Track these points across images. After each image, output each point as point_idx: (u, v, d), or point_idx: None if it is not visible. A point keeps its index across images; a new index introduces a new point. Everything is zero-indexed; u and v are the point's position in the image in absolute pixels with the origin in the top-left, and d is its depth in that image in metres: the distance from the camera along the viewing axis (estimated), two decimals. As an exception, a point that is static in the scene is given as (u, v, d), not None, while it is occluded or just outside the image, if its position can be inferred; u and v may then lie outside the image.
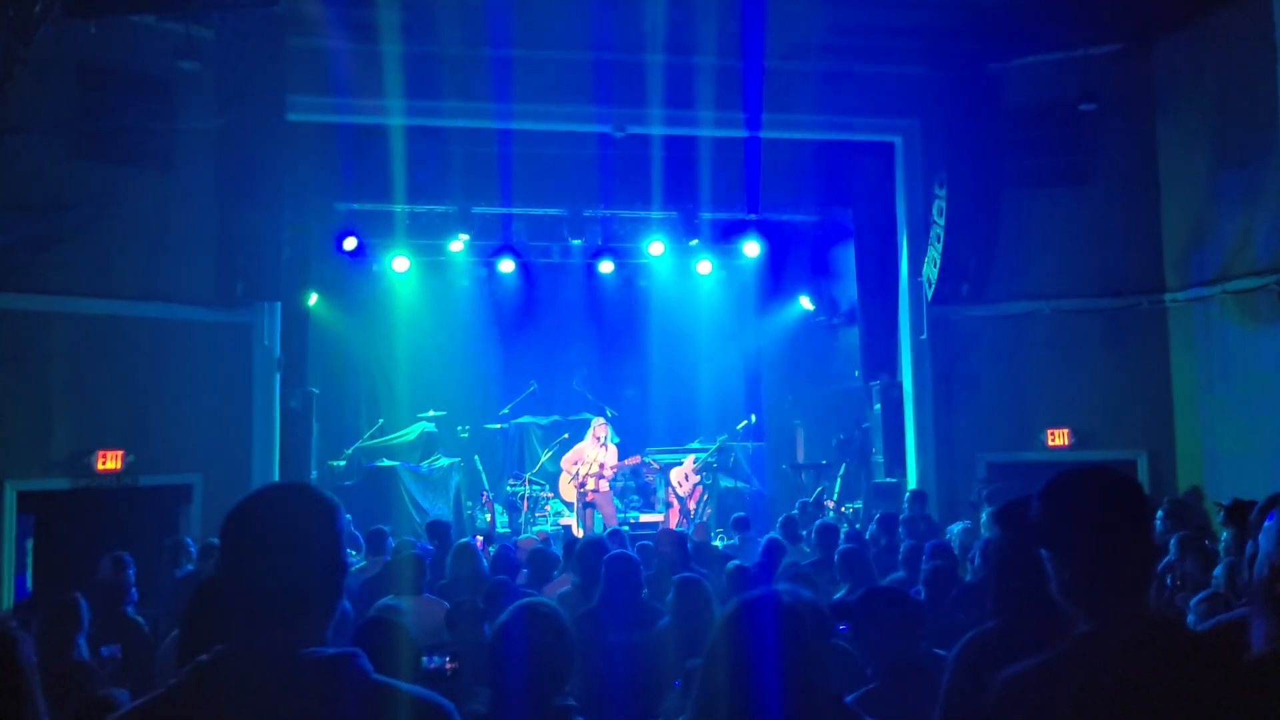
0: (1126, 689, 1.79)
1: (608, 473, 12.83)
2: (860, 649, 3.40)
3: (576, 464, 12.88)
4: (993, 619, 2.95)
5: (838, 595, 5.49)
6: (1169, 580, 6.37)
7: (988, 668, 2.03)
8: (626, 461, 13.25)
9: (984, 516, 9.64)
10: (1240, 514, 6.28)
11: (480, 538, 9.40)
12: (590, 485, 12.69)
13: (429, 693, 1.80)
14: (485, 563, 7.19)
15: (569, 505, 13.47)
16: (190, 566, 7.59)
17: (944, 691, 2.69)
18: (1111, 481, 1.96)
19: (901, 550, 6.74)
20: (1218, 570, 5.03)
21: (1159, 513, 7.85)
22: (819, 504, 12.31)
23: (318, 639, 1.72)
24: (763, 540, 8.88)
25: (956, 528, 8.37)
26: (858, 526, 10.82)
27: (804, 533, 8.81)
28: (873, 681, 3.23)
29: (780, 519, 9.21)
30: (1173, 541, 6.41)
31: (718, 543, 11.39)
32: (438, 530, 8.71)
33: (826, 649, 2.12)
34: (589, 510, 12.71)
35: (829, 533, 7.47)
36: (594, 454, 12.85)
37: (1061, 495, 1.97)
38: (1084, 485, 1.96)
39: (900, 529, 8.63)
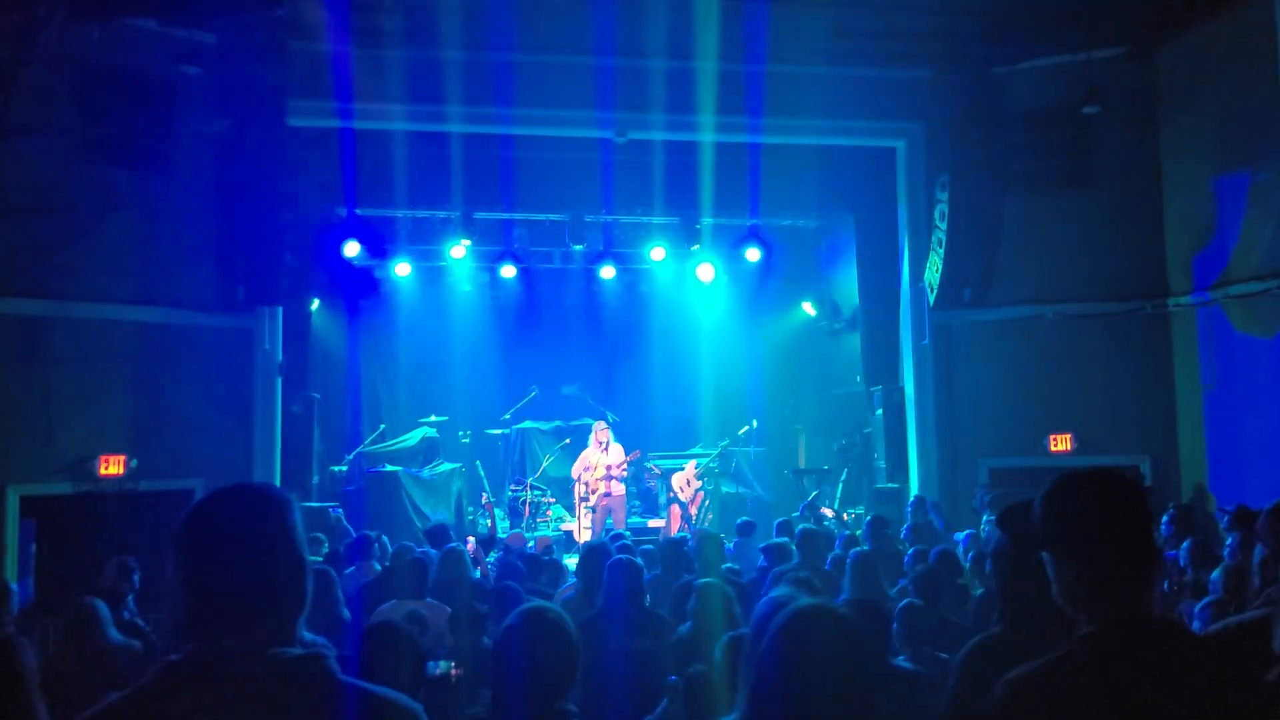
0: (1128, 690, 1.79)
1: (616, 473, 12.79)
2: None
3: (587, 470, 12.86)
4: (997, 624, 2.94)
5: (840, 598, 5.46)
6: (1166, 585, 6.36)
7: (993, 673, 2.02)
8: (629, 456, 13.21)
9: (984, 521, 9.62)
10: (1247, 520, 6.28)
11: (471, 541, 9.38)
12: (601, 489, 12.67)
13: (396, 694, 1.79)
14: (474, 569, 7.17)
15: (571, 511, 13.45)
16: None
17: (949, 697, 2.68)
18: (1112, 483, 1.95)
19: (908, 556, 6.74)
20: (1215, 574, 5.01)
21: (1165, 518, 7.84)
22: (814, 507, 12.27)
23: (286, 639, 1.72)
24: (760, 546, 8.86)
25: (963, 534, 8.36)
26: (858, 533, 10.80)
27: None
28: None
29: (775, 523, 9.19)
30: (1184, 547, 6.39)
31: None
32: (436, 535, 8.71)
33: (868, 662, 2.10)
34: (598, 515, 12.67)
35: (816, 539, 7.43)
36: (598, 459, 12.84)
37: (1062, 497, 1.97)
38: (1084, 487, 1.96)
39: (906, 534, 8.62)
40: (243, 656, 1.67)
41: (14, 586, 5.77)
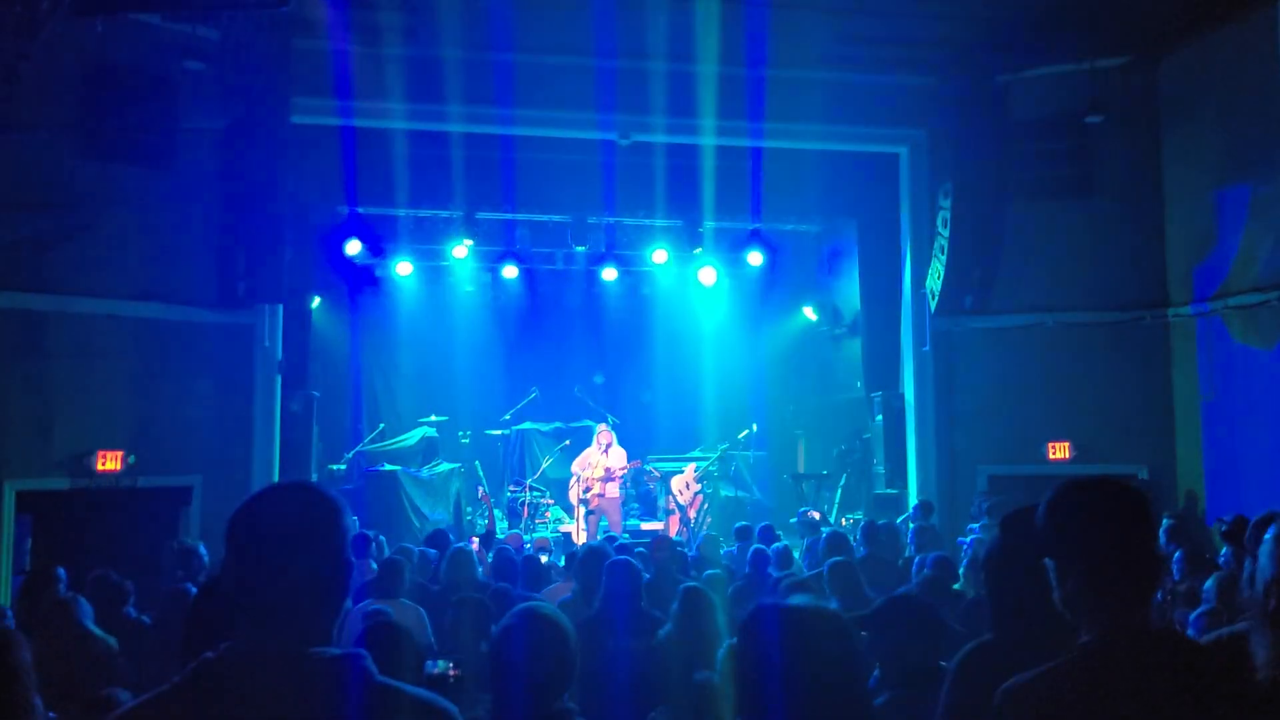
0: (1128, 700, 1.79)
1: (615, 476, 12.78)
2: (877, 657, 3.39)
3: (587, 469, 12.86)
4: (991, 630, 2.93)
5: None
6: (1160, 595, 6.36)
7: (988, 679, 2.02)
8: (630, 464, 13.21)
9: (977, 527, 9.62)
10: (1241, 531, 6.28)
11: (476, 540, 9.37)
12: (595, 490, 12.66)
13: (433, 695, 1.80)
14: (480, 568, 7.17)
15: (570, 511, 13.44)
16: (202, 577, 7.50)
17: (943, 704, 2.67)
18: (1117, 492, 1.95)
19: (915, 562, 6.76)
20: (1208, 584, 5.01)
21: (1164, 525, 7.84)
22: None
23: (324, 639, 1.73)
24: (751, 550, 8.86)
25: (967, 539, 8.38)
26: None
27: (808, 540, 8.81)
28: (887, 690, 3.21)
29: (758, 528, 9.20)
30: (1176, 557, 6.39)
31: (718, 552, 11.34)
32: (437, 539, 8.71)
33: (850, 656, 2.09)
34: (593, 516, 12.67)
35: (840, 542, 7.43)
36: (598, 459, 12.83)
37: (1067, 505, 1.97)
38: (1090, 496, 1.96)
39: (910, 539, 8.64)
40: (282, 654, 1.67)
41: (60, 572, 5.78)
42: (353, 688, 1.68)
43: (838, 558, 6.13)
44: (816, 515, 12.20)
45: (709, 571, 6.52)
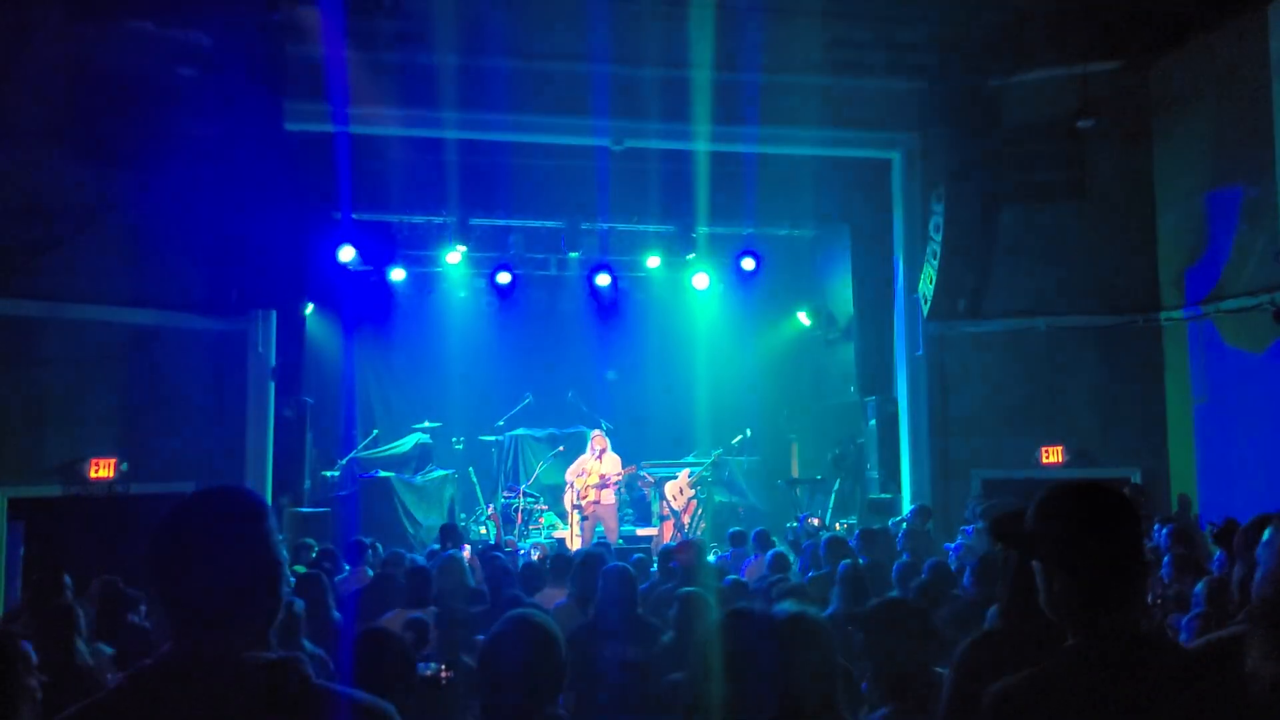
0: (1113, 703, 1.79)
1: (610, 482, 12.76)
2: (870, 658, 3.40)
3: (582, 475, 12.84)
4: (998, 620, 2.94)
5: (827, 611, 5.46)
6: (1150, 598, 6.36)
7: (990, 669, 2.04)
8: (625, 470, 13.19)
9: (968, 532, 9.62)
10: (1231, 534, 6.29)
11: (468, 549, 9.36)
12: (590, 497, 12.64)
13: (370, 697, 1.80)
14: (471, 577, 7.16)
15: (564, 517, 13.42)
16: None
17: (946, 695, 2.68)
18: (1104, 496, 1.97)
19: (898, 566, 6.74)
20: (1198, 588, 5.02)
21: (1165, 530, 7.85)
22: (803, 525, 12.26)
23: (259, 643, 1.72)
24: (753, 556, 8.86)
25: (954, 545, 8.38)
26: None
27: (806, 545, 8.81)
28: (885, 700, 3.21)
29: (753, 533, 9.18)
30: (1166, 560, 6.41)
31: (710, 558, 11.32)
32: (447, 533, 8.73)
33: (824, 664, 2.10)
34: (588, 523, 12.65)
35: (841, 547, 7.42)
36: (592, 465, 12.82)
37: (1054, 508, 1.98)
38: (1077, 500, 1.97)
39: (902, 543, 8.64)
40: (216, 660, 1.67)
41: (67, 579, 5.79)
42: (286, 691, 1.68)
43: (847, 561, 6.15)
44: (817, 521, 12.22)
45: (730, 577, 6.50)
